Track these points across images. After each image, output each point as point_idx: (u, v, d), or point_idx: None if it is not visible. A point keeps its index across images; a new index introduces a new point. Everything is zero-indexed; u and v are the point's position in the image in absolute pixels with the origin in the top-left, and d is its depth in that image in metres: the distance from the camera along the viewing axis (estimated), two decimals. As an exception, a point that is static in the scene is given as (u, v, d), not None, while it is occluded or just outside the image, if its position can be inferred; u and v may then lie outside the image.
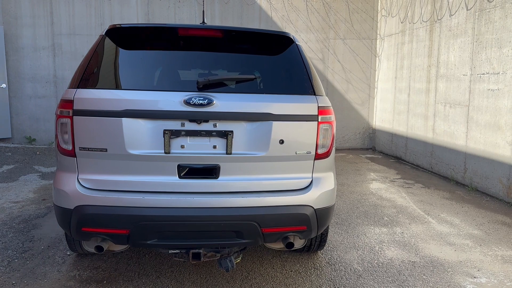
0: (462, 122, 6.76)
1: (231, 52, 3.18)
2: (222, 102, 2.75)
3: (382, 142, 10.00)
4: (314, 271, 3.61)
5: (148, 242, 2.78)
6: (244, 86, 2.94)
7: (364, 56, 10.23)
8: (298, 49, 3.14)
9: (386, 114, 9.79)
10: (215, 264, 3.62)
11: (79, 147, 2.75)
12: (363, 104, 10.40)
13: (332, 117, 2.99)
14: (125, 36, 3.12)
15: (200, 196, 2.76)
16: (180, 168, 2.76)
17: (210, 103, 2.72)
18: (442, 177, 7.33)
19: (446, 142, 7.26)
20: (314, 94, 2.95)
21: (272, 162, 2.85)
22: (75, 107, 2.72)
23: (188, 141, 2.76)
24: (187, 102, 2.70)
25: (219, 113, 2.73)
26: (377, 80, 10.26)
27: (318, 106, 2.90)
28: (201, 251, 2.87)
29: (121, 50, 3.07)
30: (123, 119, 2.69)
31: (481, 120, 6.25)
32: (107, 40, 3.05)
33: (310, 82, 2.99)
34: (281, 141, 2.83)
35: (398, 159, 9.08)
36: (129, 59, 3.08)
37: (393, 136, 9.39)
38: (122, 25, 3.09)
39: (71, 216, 2.74)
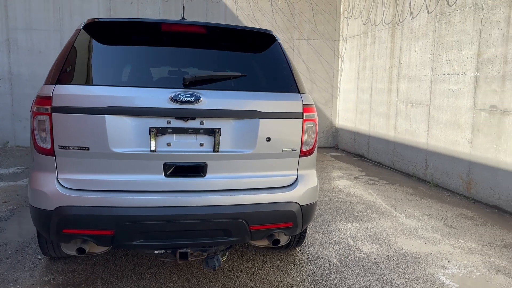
0: (423, 120, 7.05)
1: (216, 49, 3.15)
2: (209, 100, 2.72)
3: (345, 141, 10.24)
4: (294, 267, 3.64)
5: (134, 242, 2.70)
6: (230, 84, 2.93)
7: (328, 56, 10.44)
8: (280, 47, 3.17)
9: (348, 113, 10.04)
10: (196, 264, 3.58)
11: (59, 146, 2.63)
12: (327, 103, 10.61)
13: (315, 115, 3.04)
14: (104, 31, 3.01)
15: (187, 194, 2.72)
16: (166, 166, 2.71)
17: (197, 100, 2.68)
18: (404, 174, 7.61)
19: (407, 140, 7.55)
20: (299, 92, 2.98)
21: (259, 159, 2.86)
22: (54, 104, 2.60)
23: (174, 138, 2.72)
24: (173, 99, 2.65)
25: (206, 110, 2.70)
26: (340, 80, 10.49)
27: (303, 104, 2.93)
28: (188, 250, 2.83)
29: (102, 45, 2.96)
30: (106, 116, 2.61)
31: (442, 119, 6.55)
32: (85, 34, 2.94)
33: (294, 79, 3.02)
34: (267, 139, 2.83)
35: (361, 157, 9.34)
36: (109, 55, 2.97)
37: (355, 135, 9.65)
38: (101, 19, 2.99)
39: (50, 217, 2.62)
